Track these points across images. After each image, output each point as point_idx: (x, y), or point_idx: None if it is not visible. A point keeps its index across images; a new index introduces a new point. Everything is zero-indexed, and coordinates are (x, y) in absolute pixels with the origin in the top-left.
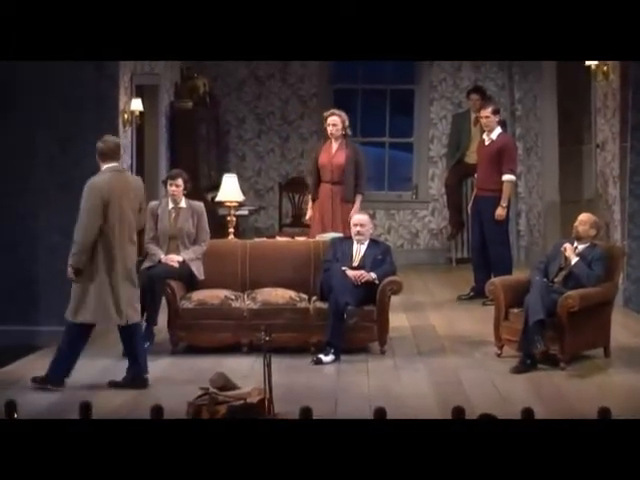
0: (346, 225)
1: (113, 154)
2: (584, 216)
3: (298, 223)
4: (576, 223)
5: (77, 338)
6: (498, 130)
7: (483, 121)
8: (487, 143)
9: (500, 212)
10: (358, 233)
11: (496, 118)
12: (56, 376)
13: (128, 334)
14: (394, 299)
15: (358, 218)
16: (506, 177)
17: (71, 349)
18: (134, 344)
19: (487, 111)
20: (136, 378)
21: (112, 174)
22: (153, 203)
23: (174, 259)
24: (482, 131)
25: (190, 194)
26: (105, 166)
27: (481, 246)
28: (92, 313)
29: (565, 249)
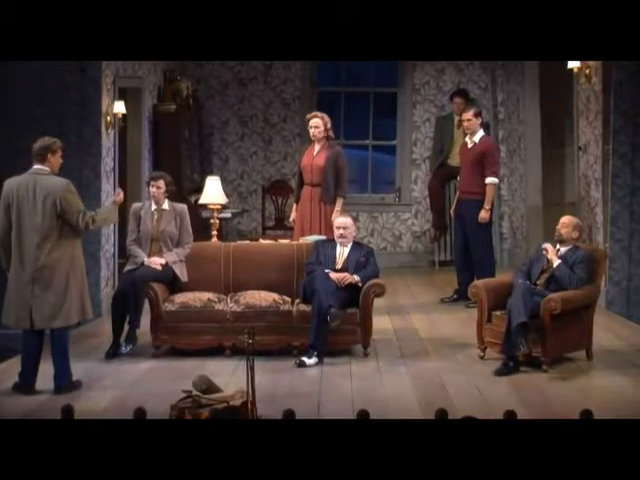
0: (326, 227)
1: (37, 155)
2: (566, 219)
3: (281, 226)
4: (558, 226)
5: (23, 340)
6: (481, 133)
7: (465, 124)
8: (470, 146)
9: (484, 215)
10: (341, 236)
11: (478, 121)
12: (20, 382)
13: (51, 339)
14: (377, 302)
15: (341, 221)
16: (489, 180)
17: (23, 353)
18: (52, 350)
19: (469, 114)
20: (55, 385)
21: (28, 176)
22: (136, 205)
23: (157, 262)
24: (465, 134)
25: (173, 196)
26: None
27: (464, 249)
28: (6, 315)
29: (546, 250)
